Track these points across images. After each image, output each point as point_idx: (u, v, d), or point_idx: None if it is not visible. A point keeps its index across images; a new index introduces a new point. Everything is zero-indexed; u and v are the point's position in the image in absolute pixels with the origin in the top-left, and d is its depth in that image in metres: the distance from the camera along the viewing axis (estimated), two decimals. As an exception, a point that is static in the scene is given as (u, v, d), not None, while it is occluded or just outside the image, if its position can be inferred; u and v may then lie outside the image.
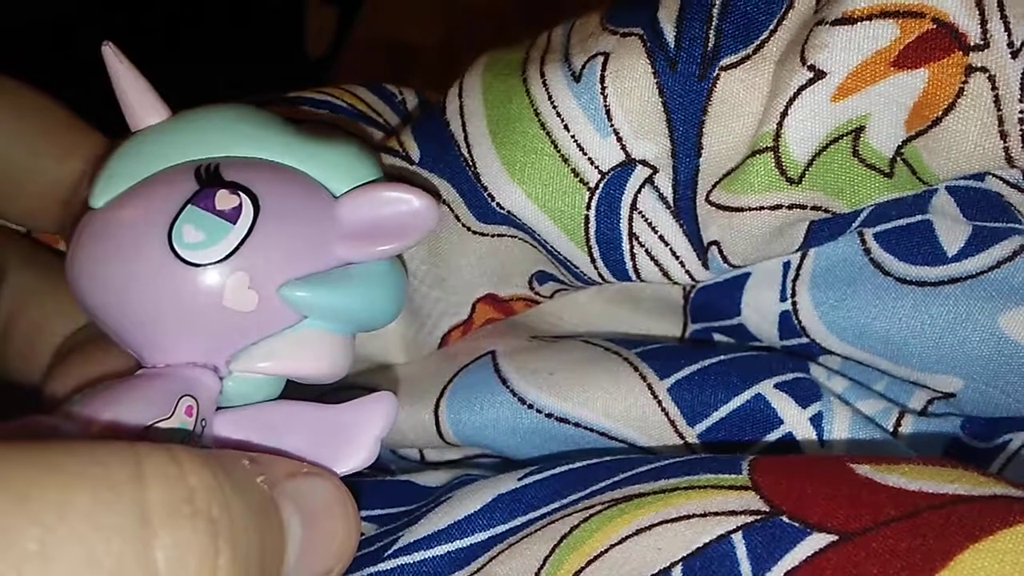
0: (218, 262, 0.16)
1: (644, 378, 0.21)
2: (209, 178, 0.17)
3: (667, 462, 0.19)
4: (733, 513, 0.17)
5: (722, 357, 0.22)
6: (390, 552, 0.19)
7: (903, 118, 0.18)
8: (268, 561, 0.14)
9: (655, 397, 0.21)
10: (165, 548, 0.12)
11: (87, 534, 0.12)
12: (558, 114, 0.20)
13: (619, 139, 0.20)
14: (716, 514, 0.17)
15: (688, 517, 0.17)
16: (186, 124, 0.18)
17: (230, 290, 0.17)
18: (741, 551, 0.16)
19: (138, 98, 0.18)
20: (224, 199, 0.17)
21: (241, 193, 0.17)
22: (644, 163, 0.20)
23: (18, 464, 0.12)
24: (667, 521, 0.17)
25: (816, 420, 0.21)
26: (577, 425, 0.21)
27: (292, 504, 0.15)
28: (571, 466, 0.20)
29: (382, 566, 0.19)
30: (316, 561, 0.15)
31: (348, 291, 0.18)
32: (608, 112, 0.19)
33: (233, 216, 0.17)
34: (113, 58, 0.18)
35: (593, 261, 0.21)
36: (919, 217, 0.20)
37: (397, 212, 0.18)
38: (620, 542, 0.17)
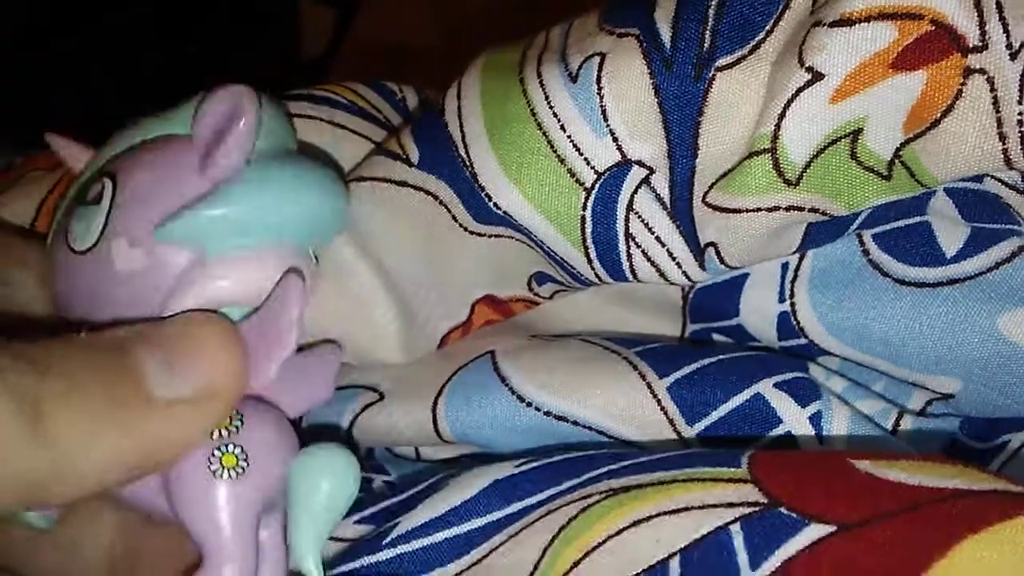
0: (98, 240, 0.18)
1: (643, 377, 0.21)
2: (87, 181, 0.19)
3: (665, 454, 0.19)
4: (731, 505, 0.17)
5: (721, 356, 0.22)
6: (388, 540, 0.19)
7: (901, 120, 0.18)
8: (113, 376, 0.16)
9: (654, 396, 0.21)
10: None
11: None
12: (555, 114, 0.20)
13: (615, 140, 0.20)
14: (714, 506, 0.17)
15: (686, 509, 0.17)
16: (92, 159, 0.20)
17: (116, 257, 0.18)
18: (738, 542, 0.16)
19: (69, 155, 0.21)
20: (92, 190, 0.19)
21: (104, 178, 0.19)
22: (640, 164, 0.20)
23: None
24: (665, 513, 0.17)
25: (815, 419, 0.21)
26: (576, 423, 0.21)
27: (142, 340, 0.17)
28: (568, 455, 0.20)
29: (380, 555, 0.19)
30: (191, 374, 0.17)
31: (214, 204, 0.18)
32: (604, 112, 0.19)
33: (98, 198, 0.18)
34: (57, 143, 0.21)
35: (590, 262, 0.21)
36: (917, 218, 0.20)
37: (216, 113, 0.18)
38: (618, 533, 0.17)
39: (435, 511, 0.19)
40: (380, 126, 0.24)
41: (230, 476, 0.17)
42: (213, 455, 0.17)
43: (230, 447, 0.18)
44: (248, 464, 0.18)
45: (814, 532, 0.16)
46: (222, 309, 0.18)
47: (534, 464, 0.20)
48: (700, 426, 0.21)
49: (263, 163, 0.19)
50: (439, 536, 0.19)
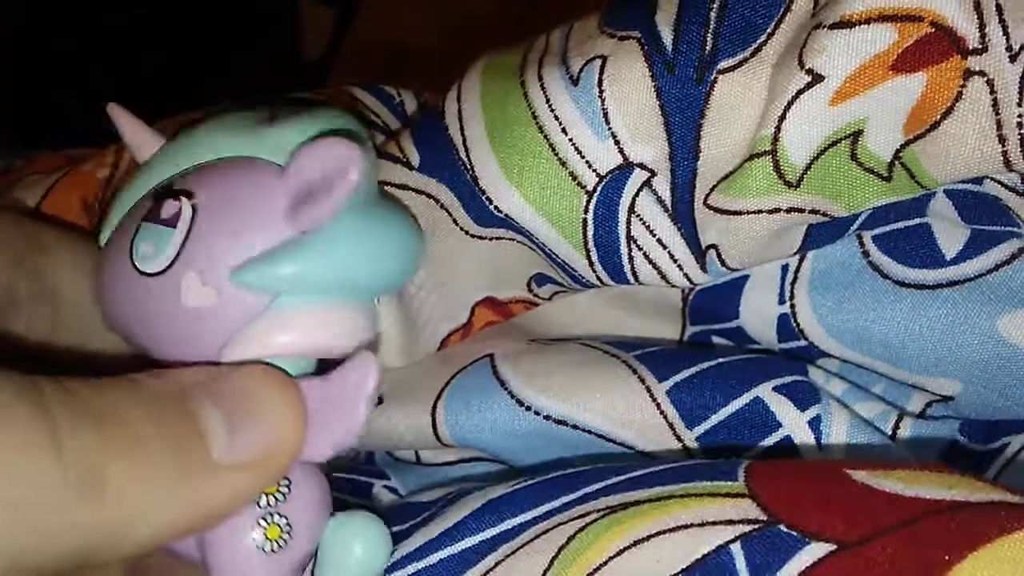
0: (168, 268, 0.17)
1: (643, 380, 0.21)
2: (161, 192, 0.18)
3: (662, 467, 0.19)
4: (731, 522, 0.17)
5: (720, 360, 0.22)
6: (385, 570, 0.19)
7: (901, 122, 0.18)
8: (178, 440, 0.15)
9: (653, 400, 0.21)
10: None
11: None
12: (556, 117, 0.20)
13: (617, 142, 0.20)
14: (714, 523, 0.17)
15: (686, 527, 0.17)
16: (163, 151, 0.19)
17: (186, 291, 0.17)
18: (740, 562, 0.16)
19: (135, 137, 0.19)
20: (167, 208, 0.17)
21: (183, 198, 0.17)
22: (642, 166, 0.20)
23: None
24: (665, 531, 0.17)
25: (815, 423, 0.21)
26: (575, 427, 0.21)
27: (205, 395, 0.16)
28: (562, 472, 0.20)
29: None
30: (253, 439, 0.16)
31: (298, 257, 0.17)
32: (606, 115, 0.19)
33: (173, 221, 0.17)
34: (117, 112, 0.19)
35: (591, 264, 0.21)
36: (917, 220, 0.20)
37: (324, 166, 0.17)
38: (618, 554, 0.17)
39: (429, 535, 0.19)
40: (378, 131, 0.24)
41: (272, 550, 0.17)
42: (258, 525, 0.17)
43: (276, 517, 0.17)
44: (291, 537, 0.17)
45: (815, 551, 0.16)
46: (279, 360, 0.17)
47: (528, 482, 0.20)
48: (700, 430, 0.21)
49: (353, 216, 0.17)
50: (434, 557, 0.19)
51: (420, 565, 0.19)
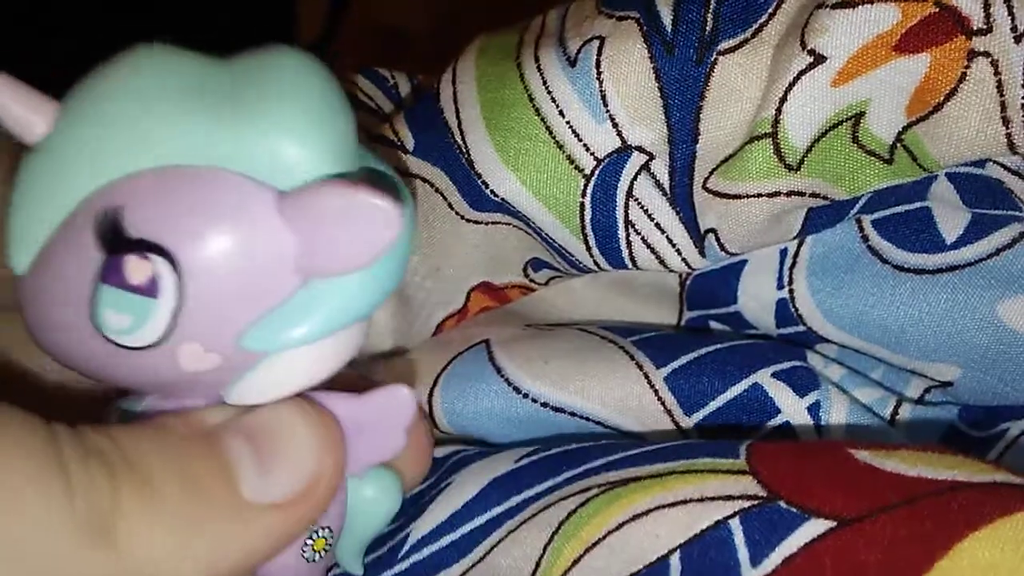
0: (158, 342, 0.14)
1: (640, 367, 0.21)
2: (111, 239, 0.14)
3: (663, 445, 0.19)
4: (730, 498, 0.17)
5: (719, 345, 0.21)
6: (403, 553, 0.19)
7: (904, 103, 0.18)
8: (203, 481, 0.14)
9: (651, 386, 0.21)
10: (84, 492, 0.13)
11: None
12: (553, 100, 0.19)
13: (615, 125, 0.19)
14: (713, 499, 0.17)
15: (685, 502, 0.17)
16: (69, 134, 0.14)
17: (184, 359, 0.15)
18: (739, 537, 0.16)
19: (18, 108, 0.14)
20: (135, 269, 0.14)
21: (154, 256, 0.14)
22: (640, 149, 0.19)
23: None
24: (664, 506, 0.17)
25: (813, 409, 0.20)
26: (572, 414, 0.21)
27: (234, 434, 0.15)
28: (566, 447, 0.20)
29: (398, 567, 0.19)
30: (287, 477, 0.15)
31: (312, 316, 0.15)
32: (604, 97, 0.19)
33: (151, 289, 0.14)
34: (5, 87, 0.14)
35: (589, 249, 0.21)
36: (918, 204, 0.20)
37: (354, 221, 0.14)
38: (617, 528, 0.17)
39: (440, 516, 0.19)
40: (372, 114, 0.24)
41: (319, 558, 0.17)
42: (306, 542, 0.17)
43: (321, 532, 0.17)
44: (333, 541, 0.17)
45: (814, 527, 0.16)
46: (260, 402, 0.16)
47: (532, 458, 0.19)
48: (698, 416, 0.21)
49: None
50: (445, 540, 0.19)
51: (435, 547, 0.19)
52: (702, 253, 0.20)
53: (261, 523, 0.15)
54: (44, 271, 0.14)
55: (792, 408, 0.20)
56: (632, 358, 0.21)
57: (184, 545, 0.14)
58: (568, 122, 0.19)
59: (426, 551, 0.19)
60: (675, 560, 0.17)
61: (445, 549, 0.19)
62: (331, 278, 0.15)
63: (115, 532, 0.13)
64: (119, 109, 0.14)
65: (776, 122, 0.18)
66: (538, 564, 0.18)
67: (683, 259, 0.21)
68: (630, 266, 0.21)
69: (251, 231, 0.14)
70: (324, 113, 0.14)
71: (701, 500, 0.17)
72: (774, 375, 0.21)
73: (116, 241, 0.14)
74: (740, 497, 0.17)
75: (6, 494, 0.13)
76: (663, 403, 0.21)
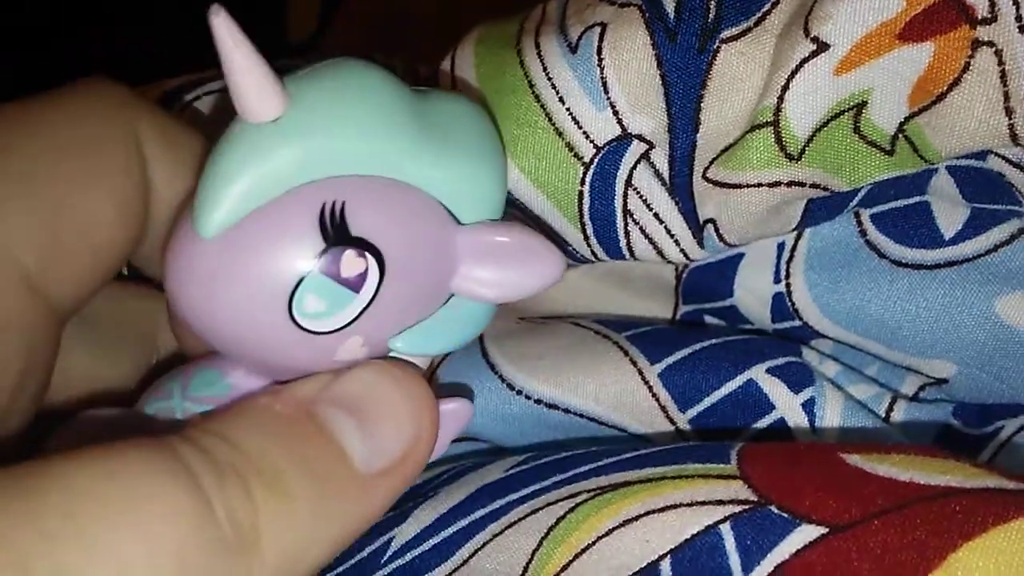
0: (336, 331, 0.15)
1: (634, 363, 0.21)
2: (335, 233, 0.15)
3: (653, 450, 0.18)
4: (721, 503, 0.17)
5: (713, 341, 0.21)
6: (386, 558, 0.19)
7: (906, 93, 0.18)
8: (321, 464, 0.14)
9: (646, 382, 0.21)
10: (225, 510, 0.13)
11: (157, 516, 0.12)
12: (553, 86, 0.19)
13: (615, 113, 0.19)
14: (704, 503, 0.17)
15: (676, 507, 0.17)
16: (305, 124, 0.15)
17: (344, 351, 0.16)
18: (730, 543, 0.16)
19: (254, 84, 0.14)
20: (350, 264, 0.15)
21: (368, 256, 0.15)
22: (640, 138, 0.19)
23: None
24: (654, 511, 0.17)
25: (808, 406, 0.20)
26: (567, 411, 0.21)
27: (333, 407, 0.15)
28: (556, 456, 0.19)
29: (380, 573, 0.19)
30: (390, 440, 0.15)
31: (447, 336, 0.17)
32: (605, 85, 0.19)
33: (357, 284, 0.15)
34: (225, 30, 0.14)
35: (586, 238, 0.21)
36: (917, 198, 0.20)
37: (518, 262, 0.17)
38: (607, 534, 0.17)
39: (425, 521, 0.19)
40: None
41: None
42: None
43: None
44: None
45: (806, 534, 0.16)
46: None
47: (523, 467, 0.19)
48: (692, 412, 0.21)
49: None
50: (428, 544, 0.19)
51: (416, 552, 0.19)
52: (701, 244, 0.20)
53: (377, 492, 0.15)
54: (239, 243, 0.15)
55: (787, 404, 0.20)
56: (626, 354, 0.21)
57: (317, 532, 0.14)
58: (568, 109, 0.19)
59: (408, 555, 0.19)
60: (666, 566, 0.16)
61: (428, 553, 0.19)
62: (471, 301, 0.17)
63: (259, 538, 0.13)
64: (352, 114, 0.15)
65: (778, 111, 0.18)
66: (526, 569, 0.18)
67: (681, 250, 0.21)
68: (628, 257, 0.21)
69: (440, 252, 0.16)
70: (504, 164, 0.18)
71: (691, 505, 0.17)
72: (769, 371, 0.21)
73: (339, 235, 0.15)
74: (731, 502, 0.16)
75: (154, 526, 0.12)
76: (657, 399, 0.21)
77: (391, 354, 0.17)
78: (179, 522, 0.12)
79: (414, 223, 0.16)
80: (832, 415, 0.20)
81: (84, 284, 0.16)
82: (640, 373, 0.21)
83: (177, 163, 0.17)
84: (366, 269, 0.15)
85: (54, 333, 0.16)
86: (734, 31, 0.18)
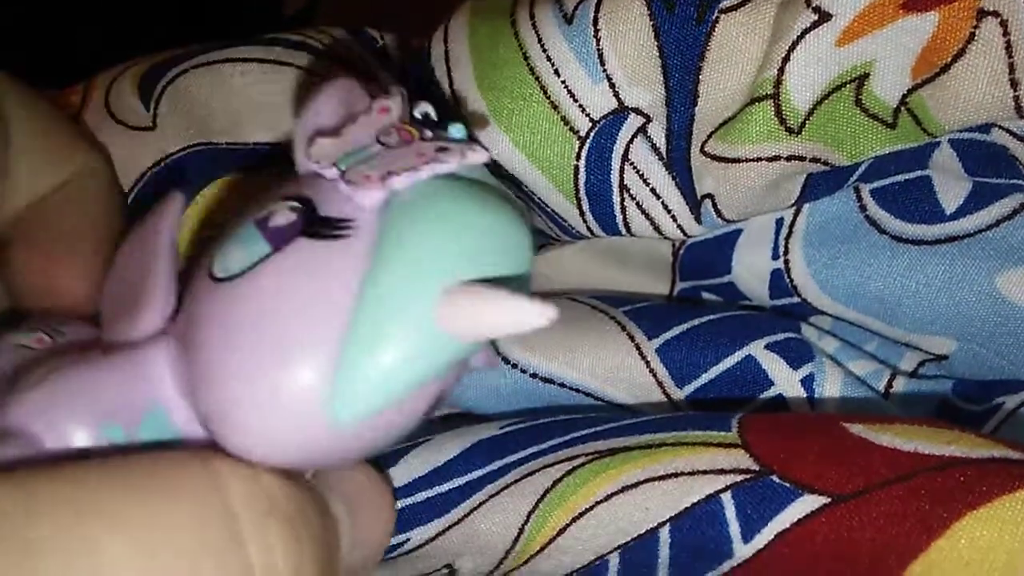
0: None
1: (632, 338, 0.21)
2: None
3: (653, 417, 0.18)
4: (722, 472, 0.16)
5: (712, 316, 0.21)
6: None
7: (910, 65, 0.17)
8: (331, 553, 0.15)
9: (643, 357, 0.21)
10: (258, 552, 0.13)
11: (187, 550, 0.12)
12: (548, 58, 0.19)
13: (612, 85, 0.19)
14: (704, 472, 0.17)
15: (676, 475, 0.17)
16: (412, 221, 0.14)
17: None
18: (730, 511, 0.16)
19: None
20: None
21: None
22: (637, 111, 0.19)
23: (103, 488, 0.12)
24: (654, 478, 0.17)
25: (807, 381, 0.20)
26: (562, 385, 0.21)
27: (338, 496, 0.15)
28: (554, 418, 0.19)
29: None
30: (365, 546, 0.16)
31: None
32: (601, 56, 0.19)
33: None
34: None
35: (582, 214, 0.20)
36: (918, 173, 0.20)
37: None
38: (606, 499, 0.17)
39: (418, 470, 0.19)
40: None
41: None
42: None
43: None
44: None
45: (807, 503, 0.16)
46: None
47: (520, 425, 0.19)
48: (690, 388, 0.21)
49: None
50: (421, 496, 0.18)
51: (408, 501, 0.18)
52: (698, 220, 0.20)
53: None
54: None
55: (785, 380, 0.20)
56: (623, 329, 0.21)
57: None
58: (563, 81, 0.19)
59: (399, 504, 0.19)
60: (665, 533, 0.16)
61: (420, 505, 0.18)
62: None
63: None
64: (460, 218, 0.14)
65: (778, 83, 0.17)
66: (521, 531, 0.17)
67: (678, 226, 0.20)
68: (624, 232, 0.21)
69: None
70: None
71: (692, 473, 0.17)
72: (767, 347, 0.20)
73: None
74: (732, 471, 0.16)
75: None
76: (655, 375, 0.21)
77: None
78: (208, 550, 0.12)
79: None
80: (831, 391, 0.20)
81: None
82: (638, 348, 0.21)
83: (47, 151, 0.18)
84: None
85: None
86: (733, 1, 0.18)
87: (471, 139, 0.15)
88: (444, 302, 0.13)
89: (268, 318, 0.13)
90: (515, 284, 0.13)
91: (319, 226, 0.14)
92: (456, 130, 0.15)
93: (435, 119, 0.15)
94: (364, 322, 0.13)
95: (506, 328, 0.13)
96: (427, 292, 0.13)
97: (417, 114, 0.15)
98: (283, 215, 0.14)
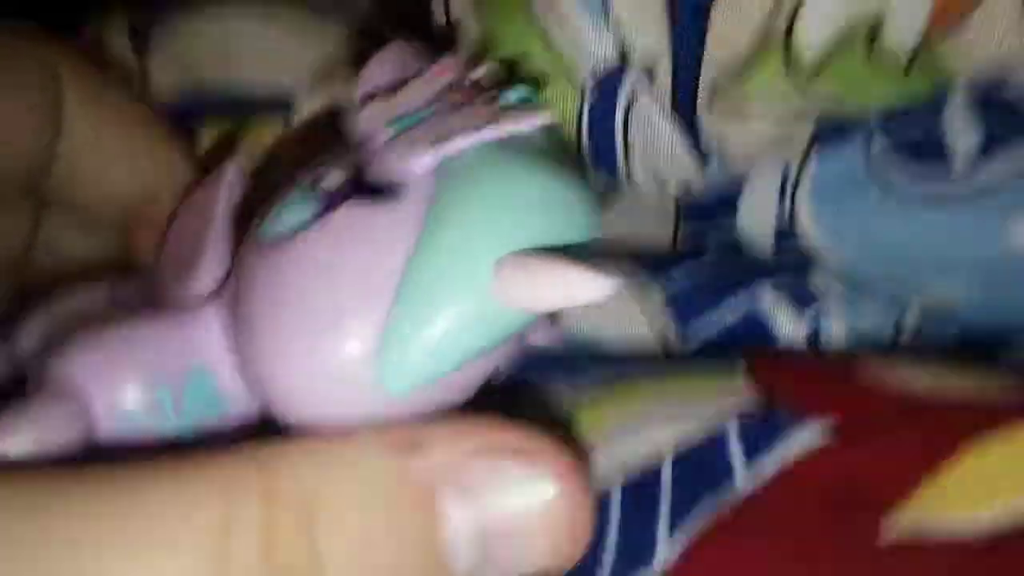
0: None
1: (635, 288, 0.21)
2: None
3: (657, 356, 0.18)
4: (727, 403, 0.16)
5: (716, 266, 0.21)
6: None
7: (926, 12, 0.17)
8: (406, 558, 0.12)
9: (647, 308, 0.20)
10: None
11: None
12: (551, 6, 0.18)
13: (617, 34, 0.18)
14: (708, 403, 0.16)
15: (680, 406, 0.17)
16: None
17: None
18: (734, 443, 0.16)
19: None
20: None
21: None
22: (642, 63, 0.18)
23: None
24: (658, 410, 0.17)
25: (813, 329, 0.20)
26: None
27: (460, 497, 0.12)
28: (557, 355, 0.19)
29: None
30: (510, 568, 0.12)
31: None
32: (604, 3, 0.18)
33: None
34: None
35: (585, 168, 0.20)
36: (929, 125, 0.19)
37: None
38: (610, 432, 0.17)
39: None
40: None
41: None
42: None
43: None
44: None
45: (813, 435, 0.16)
46: None
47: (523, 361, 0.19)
48: (693, 335, 0.20)
49: None
50: None
51: None
52: (703, 173, 0.20)
53: None
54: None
55: (791, 328, 0.20)
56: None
57: None
58: (567, 31, 0.18)
59: None
60: (667, 465, 0.16)
61: None
62: None
63: None
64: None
65: (789, 31, 0.17)
66: None
67: (684, 180, 0.20)
68: (627, 185, 0.20)
69: None
70: None
71: (697, 403, 0.16)
72: (773, 295, 0.20)
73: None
74: (737, 403, 0.16)
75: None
76: (658, 323, 0.20)
77: None
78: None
79: None
80: (837, 339, 0.20)
81: None
82: (640, 296, 0.21)
83: (100, 120, 0.17)
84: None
85: None
86: None
87: (530, 102, 0.14)
88: (497, 272, 0.13)
89: (316, 281, 0.13)
90: (575, 252, 0.13)
91: (370, 190, 0.13)
92: (515, 93, 0.14)
93: (493, 82, 0.15)
94: (414, 290, 0.13)
95: (560, 300, 0.12)
96: (480, 261, 0.13)
97: (475, 77, 0.15)
98: (334, 178, 0.14)
